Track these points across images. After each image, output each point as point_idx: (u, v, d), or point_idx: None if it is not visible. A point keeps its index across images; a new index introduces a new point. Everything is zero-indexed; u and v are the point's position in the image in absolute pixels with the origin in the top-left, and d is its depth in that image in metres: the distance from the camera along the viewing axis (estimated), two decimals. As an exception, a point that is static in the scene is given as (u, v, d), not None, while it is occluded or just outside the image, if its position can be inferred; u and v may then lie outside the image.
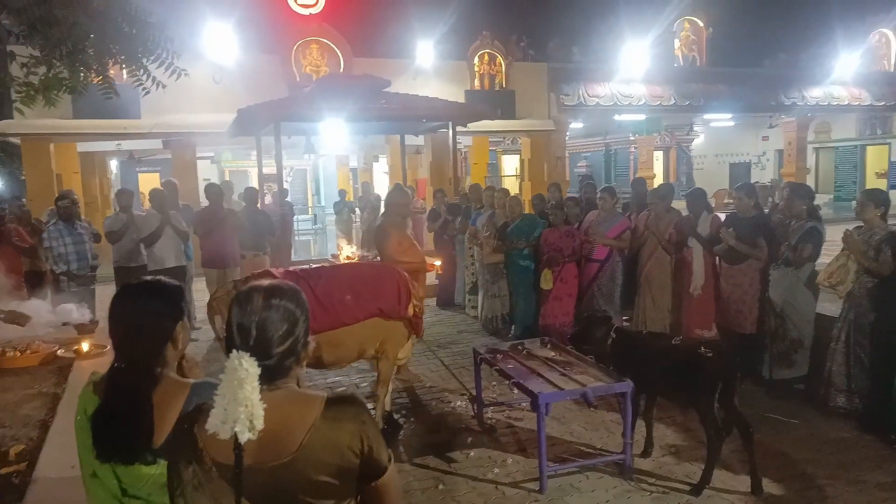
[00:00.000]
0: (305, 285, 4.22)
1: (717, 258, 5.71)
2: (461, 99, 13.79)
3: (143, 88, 4.15)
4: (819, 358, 4.89)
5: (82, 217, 7.41)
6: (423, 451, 4.42)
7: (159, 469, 1.68)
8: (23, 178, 13.76)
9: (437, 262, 5.56)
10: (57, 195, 7.98)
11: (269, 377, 1.42)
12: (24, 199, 8.63)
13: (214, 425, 1.34)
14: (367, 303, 4.28)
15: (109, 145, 14.56)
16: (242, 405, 1.32)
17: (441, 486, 3.92)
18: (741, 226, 5.35)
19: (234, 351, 1.40)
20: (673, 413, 4.74)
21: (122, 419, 1.67)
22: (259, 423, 1.33)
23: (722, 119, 19.77)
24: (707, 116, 18.96)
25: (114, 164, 19.85)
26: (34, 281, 6.87)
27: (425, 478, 4.06)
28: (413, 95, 10.64)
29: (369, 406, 5.13)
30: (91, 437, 1.70)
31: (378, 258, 11.10)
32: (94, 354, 4.00)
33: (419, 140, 15.03)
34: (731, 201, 15.65)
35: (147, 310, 1.77)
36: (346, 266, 5.05)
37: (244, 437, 1.32)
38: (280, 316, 1.45)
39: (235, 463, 1.35)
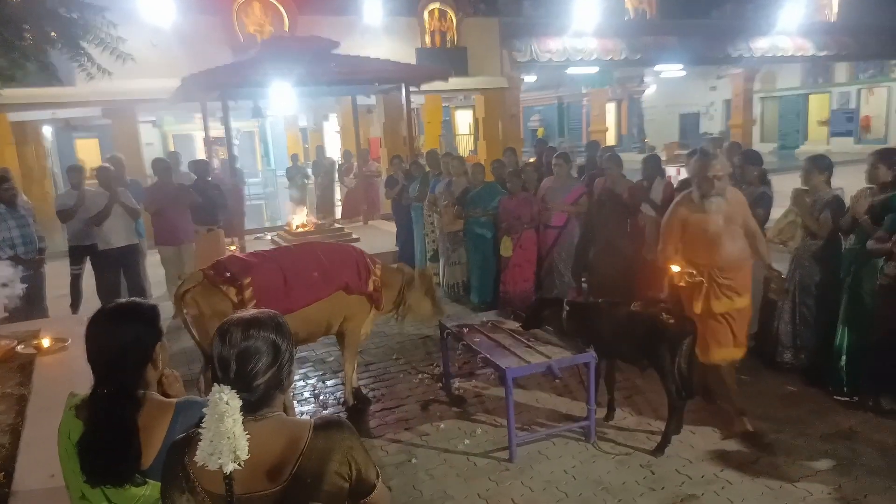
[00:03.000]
0: (276, 266, 4.23)
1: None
2: (412, 57, 13.53)
3: (87, 74, 3.98)
4: (767, 316, 5.14)
5: (23, 197, 7.09)
6: (394, 425, 4.53)
7: (149, 489, 1.72)
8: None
9: (676, 268, 4.15)
10: (-6, 175, 7.63)
11: (253, 408, 1.45)
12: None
13: (202, 457, 1.38)
14: (333, 278, 4.36)
15: (44, 113, 13.84)
16: (225, 437, 1.36)
17: (414, 461, 4.04)
18: (694, 191, 5.50)
19: (216, 385, 1.42)
20: (632, 376, 4.96)
21: (110, 445, 1.69)
22: (243, 454, 1.37)
23: (672, 70, 19.97)
24: (657, 68, 19.11)
25: (48, 132, 18.94)
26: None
27: (397, 452, 4.17)
28: (364, 57, 10.40)
29: (337, 381, 5.21)
30: (79, 463, 1.71)
31: (335, 224, 11.12)
32: (55, 349, 3.91)
33: (371, 99, 14.76)
34: (682, 152, 16.00)
35: (125, 335, 1.76)
36: (309, 245, 5.06)
37: (228, 468, 1.37)
38: (260, 347, 1.47)
39: (226, 493, 1.39)
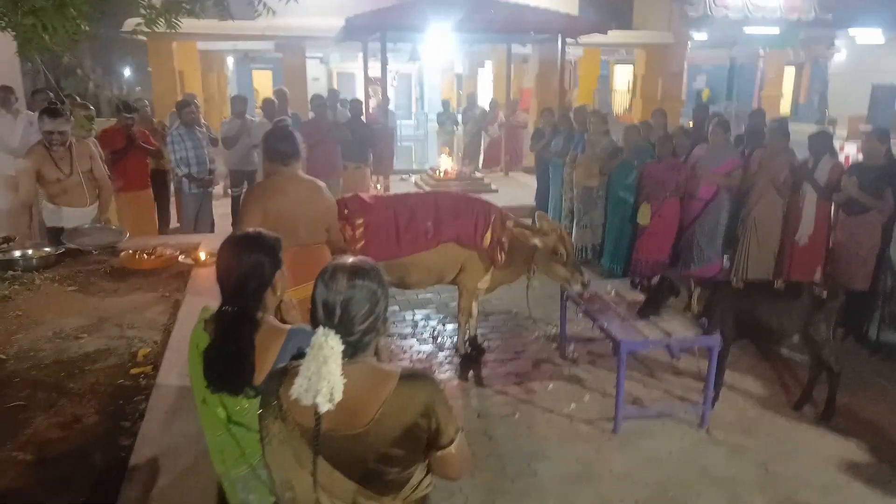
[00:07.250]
0: (391, 213, 4.35)
1: (834, 207, 5.33)
2: (575, 6, 13.03)
3: (256, 11, 4.30)
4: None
5: (202, 122, 7.82)
6: (503, 378, 4.60)
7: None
8: (149, 69, 14.54)
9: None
10: (179, 99, 8.45)
11: (351, 352, 1.52)
12: (146, 101, 9.17)
13: (298, 392, 1.46)
14: (445, 228, 4.39)
15: (226, 44, 15.05)
16: (325, 379, 1.44)
17: (517, 415, 4.10)
18: (867, 175, 4.92)
19: (321, 328, 1.50)
20: (757, 365, 4.66)
21: (229, 358, 1.88)
22: (338, 396, 1.44)
23: (870, 35, 17.62)
24: (851, 31, 16.95)
25: (230, 62, 20.57)
26: (158, 180, 7.43)
27: (503, 404, 4.24)
28: (522, 5, 10.18)
29: (456, 326, 5.36)
30: (202, 370, 1.93)
31: (476, 173, 11.19)
32: (209, 263, 4.34)
33: (526, 49, 14.48)
34: (866, 129, 14.25)
35: (249, 260, 1.93)
36: (432, 194, 5.12)
37: (324, 407, 1.44)
38: (363, 295, 1.53)
39: (315, 427, 1.48)
